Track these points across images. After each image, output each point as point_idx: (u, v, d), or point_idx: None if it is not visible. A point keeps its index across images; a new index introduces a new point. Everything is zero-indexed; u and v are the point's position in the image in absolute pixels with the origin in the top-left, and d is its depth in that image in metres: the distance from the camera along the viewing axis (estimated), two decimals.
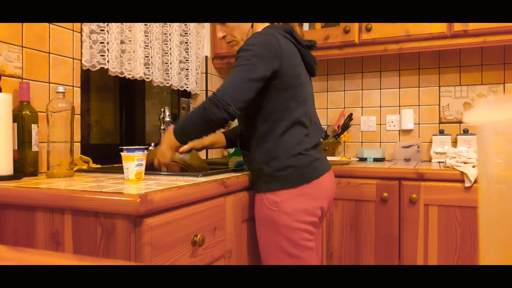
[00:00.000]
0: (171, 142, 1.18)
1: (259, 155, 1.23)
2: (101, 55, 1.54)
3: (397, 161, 2.13)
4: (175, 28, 1.95)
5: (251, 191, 1.32)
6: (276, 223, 1.19)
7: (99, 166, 1.49)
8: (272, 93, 1.19)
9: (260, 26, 1.31)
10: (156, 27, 1.80)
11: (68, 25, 1.43)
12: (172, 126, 1.19)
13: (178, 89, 2.03)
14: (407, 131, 2.24)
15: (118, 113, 1.94)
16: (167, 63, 1.92)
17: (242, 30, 1.30)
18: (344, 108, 2.37)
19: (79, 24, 1.47)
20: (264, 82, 1.16)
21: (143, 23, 1.71)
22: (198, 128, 1.14)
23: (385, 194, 1.66)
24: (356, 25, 1.97)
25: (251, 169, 1.29)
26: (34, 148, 1.19)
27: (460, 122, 2.13)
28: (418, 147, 2.12)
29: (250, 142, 1.25)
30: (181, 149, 1.31)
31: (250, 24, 1.29)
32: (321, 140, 2.28)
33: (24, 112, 1.17)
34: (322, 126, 2.39)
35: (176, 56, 1.95)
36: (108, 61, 1.56)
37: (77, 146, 1.46)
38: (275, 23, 1.31)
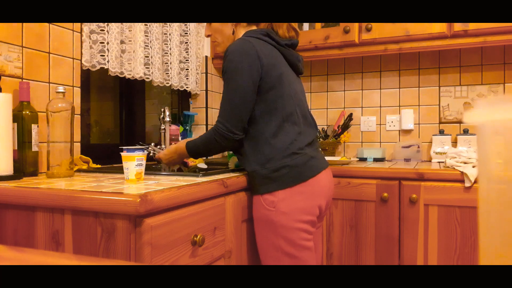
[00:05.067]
0: (183, 154, 1.35)
1: (253, 158, 1.24)
2: (101, 55, 1.54)
3: (397, 161, 2.13)
4: (175, 28, 1.95)
5: (250, 191, 1.32)
6: (273, 223, 1.20)
7: (99, 166, 1.49)
8: (257, 95, 1.23)
9: (239, 30, 1.37)
10: (156, 27, 1.80)
11: (68, 25, 1.43)
12: (185, 143, 1.33)
13: (178, 89, 2.03)
14: (407, 131, 2.24)
15: (118, 113, 1.94)
16: (167, 63, 1.92)
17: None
18: (344, 108, 2.37)
19: (79, 24, 1.47)
20: (256, 92, 1.23)
21: (143, 23, 1.71)
22: (212, 153, 1.31)
23: (385, 194, 1.66)
24: (356, 25, 1.97)
25: (246, 171, 1.30)
26: (34, 148, 1.19)
27: (460, 122, 2.13)
28: (418, 147, 2.12)
29: (243, 145, 1.26)
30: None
31: (231, 29, 1.37)
32: (320, 139, 2.29)
33: (24, 112, 1.17)
34: (322, 126, 2.40)
35: (176, 56, 1.95)
36: (108, 61, 1.56)
37: (77, 146, 1.46)
38: (255, 27, 1.36)
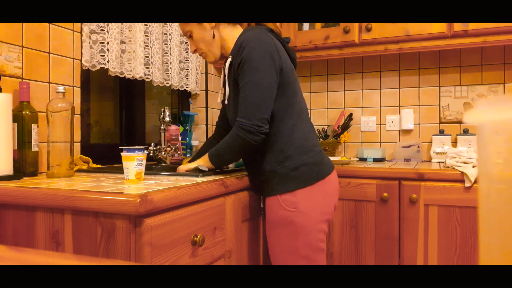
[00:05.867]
0: (205, 165, 1.24)
1: (271, 157, 1.19)
2: (101, 55, 1.54)
3: (397, 161, 2.12)
4: (175, 28, 1.95)
5: (251, 191, 1.32)
6: (294, 224, 1.16)
7: (99, 166, 1.49)
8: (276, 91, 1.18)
9: (224, 32, 1.28)
10: (156, 27, 1.80)
11: (68, 25, 1.43)
12: (207, 154, 1.24)
13: (178, 89, 2.03)
14: (407, 131, 2.24)
15: (118, 113, 1.94)
16: (167, 63, 1.92)
17: (206, 42, 1.29)
18: (344, 108, 2.37)
19: (79, 24, 1.47)
20: (277, 84, 1.17)
21: (143, 23, 1.71)
22: (237, 155, 1.21)
23: (385, 194, 1.66)
24: (356, 25, 1.97)
25: (260, 173, 1.23)
26: (34, 148, 1.19)
27: (460, 122, 2.13)
28: (418, 147, 2.12)
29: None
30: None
31: (211, 33, 1.28)
32: (320, 139, 2.29)
33: (24, 112, 1.17)
34: (322, 126, 2.40)
35: (176, 56, 1.95)
36: (108, 61, 1.56)
37: (77, 146, 1.46)
38: (239, 26, 1.31)
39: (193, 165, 1.27)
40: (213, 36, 1.28)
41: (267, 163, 1.20)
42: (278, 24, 1.33)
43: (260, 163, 1.23)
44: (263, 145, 1.19)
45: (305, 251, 1.16)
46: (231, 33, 1.29)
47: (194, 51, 1.34)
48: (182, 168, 1.28)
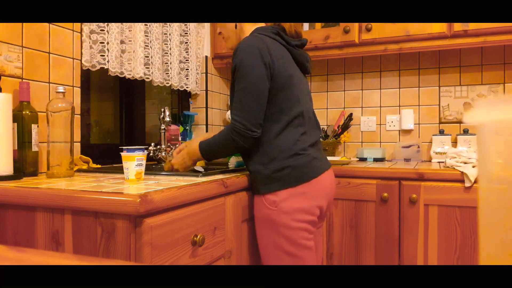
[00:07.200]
0: (195, 156, 1.31)
1: (256, 158, 1.24)
2: (101, 55, 1.54)
3: (397, 161, 2.12)
4: (175, 28, 1.95)
5: (251, 191, 1.32)
6: (275, 222, 1.20)
7: (99, 166, 1.49)
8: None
9: (245, 26, 1.35)
10: (156, 27, 1.80)
11: (68, 25, 1.43)
12: (198, 144, 1.29)
13: (178, 89, 2.03)
14: (407, 131, 2.24)
15: (118, 113, 1.94)
16: (167, 63, 1.92)
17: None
18: (344, 108, 2.37)
19: (79, 24, 1.47)
20: (269, 90, 1.22)
21: (143, 23, 1.71)
22: (228, 152, 1.28)
23: (385, 194, 1.66)
24: (356, 25, 1.97)
25: (249, 171, 1.30)
26: (34, 148, 1.19)
27: (460, 122, 2.13)
28: (418, 147, 2.12)
29: None
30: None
31: (234, 23, 1.37)
32: (321, 139, 2.28)
33: (24, 112, 1.17)
34: (322, 126, 2.40)
35: (176, 56, 1.95)
36: (108, 61, 1.56)
37: (77, 146, 1.46)
38: (265, 24, 1.33)
39: (179, 158, 1.33)
40: (235, 27, 1.37)
41: (253, 164, 1.25)
42: (293, 24, 1.34)
43: (247, 163, 1.29)
44: (250, 146, 1.24)
45: (289, 248, 1.20)
46: (250, 29, 1.35)
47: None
48: (173, 162, 1.35)
